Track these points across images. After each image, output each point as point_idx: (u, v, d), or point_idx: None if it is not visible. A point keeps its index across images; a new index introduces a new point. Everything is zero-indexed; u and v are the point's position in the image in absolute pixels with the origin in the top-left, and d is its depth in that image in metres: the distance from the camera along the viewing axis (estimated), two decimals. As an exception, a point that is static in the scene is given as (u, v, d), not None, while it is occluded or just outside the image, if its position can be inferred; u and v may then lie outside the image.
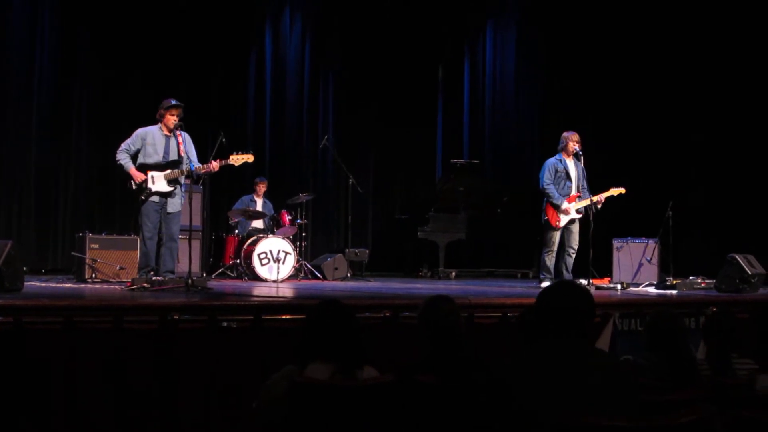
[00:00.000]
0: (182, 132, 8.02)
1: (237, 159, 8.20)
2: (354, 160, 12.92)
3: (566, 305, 3.06)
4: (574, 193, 9.08)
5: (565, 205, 9.02)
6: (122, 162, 8.02)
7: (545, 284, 8.37)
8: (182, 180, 8.06)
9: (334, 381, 3.44)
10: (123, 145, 8.07)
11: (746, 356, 4.33)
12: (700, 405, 2.95)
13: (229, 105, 12.70)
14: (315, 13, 13.49)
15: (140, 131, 8.10)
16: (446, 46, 14.54)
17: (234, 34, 12.59)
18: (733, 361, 4.28)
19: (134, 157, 8.04)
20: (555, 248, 9.14)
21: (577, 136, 9.16)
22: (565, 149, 9.15)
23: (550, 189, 9.06)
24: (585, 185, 9.17)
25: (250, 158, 8.27)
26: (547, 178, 9.11)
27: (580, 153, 9.10)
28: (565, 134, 9.22)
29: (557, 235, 9.11)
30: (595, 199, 9.02)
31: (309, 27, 13.51)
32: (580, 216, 9.12)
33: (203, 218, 11.03)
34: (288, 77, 13.34)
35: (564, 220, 9.06)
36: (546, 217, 9.14)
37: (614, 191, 9.15)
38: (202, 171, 8.05)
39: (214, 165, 8.00)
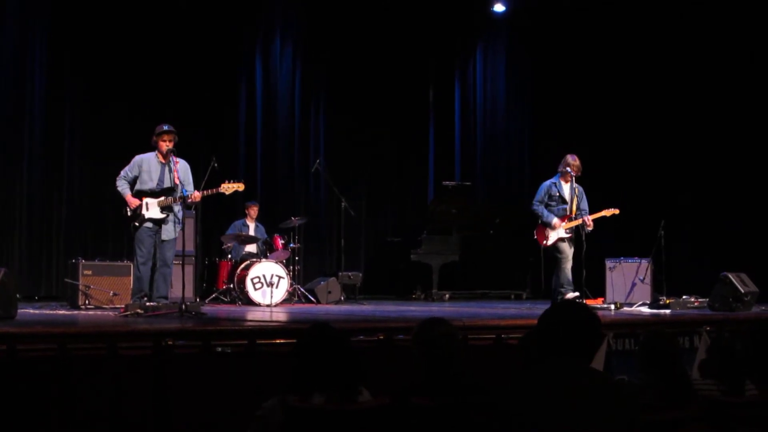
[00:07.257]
0: (180, 160, 8.07)
1: (228, 188, 8.21)
2: (346, 184, 12.92)
3: (571, 323, 3.05)
4: (569, 213, 9.12)
5: (554, 221, 9.05)
6: (120, 189, 8.13)
7: (569, 296, 8.58)
8: (176, 208, 8.06)
9: (330, 405, 3.44)
10: (122, 173, 8.17)
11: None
12: (695, 424, 2.96)
13: (220, 130, 12.66)
14: (305, 38, 13.52)
15: (137, 158, 8.17)
16: (436, 68, 14.61)
17: (224, 60, 12.61)
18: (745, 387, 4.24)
19: (133, 184, 8.12)
20: (568, 263, 9.12)
21: (579, 161, 9.14)
22: (565, 175, 9.15)
23: (539, 209, 9.13)
24: (585, 207, 9.20)
25: (240, 187, 8.28)
26: (536, 199, 9.20)
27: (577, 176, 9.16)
28: (569, 159, 9.13)
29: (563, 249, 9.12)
30: (586, 219, 9.03)
31: (299, 52, 13.53)
32: (569, 236, 9.14)
33: (196, 243, 11.03)
34: (279, 102, 13.33)
35: (552, 238, 9.10)
36: (535, 237, 9.22)
37: (606, 212, 9.17)
38: (188, 201, 8.06)
39: (196, 195, 8.02)
